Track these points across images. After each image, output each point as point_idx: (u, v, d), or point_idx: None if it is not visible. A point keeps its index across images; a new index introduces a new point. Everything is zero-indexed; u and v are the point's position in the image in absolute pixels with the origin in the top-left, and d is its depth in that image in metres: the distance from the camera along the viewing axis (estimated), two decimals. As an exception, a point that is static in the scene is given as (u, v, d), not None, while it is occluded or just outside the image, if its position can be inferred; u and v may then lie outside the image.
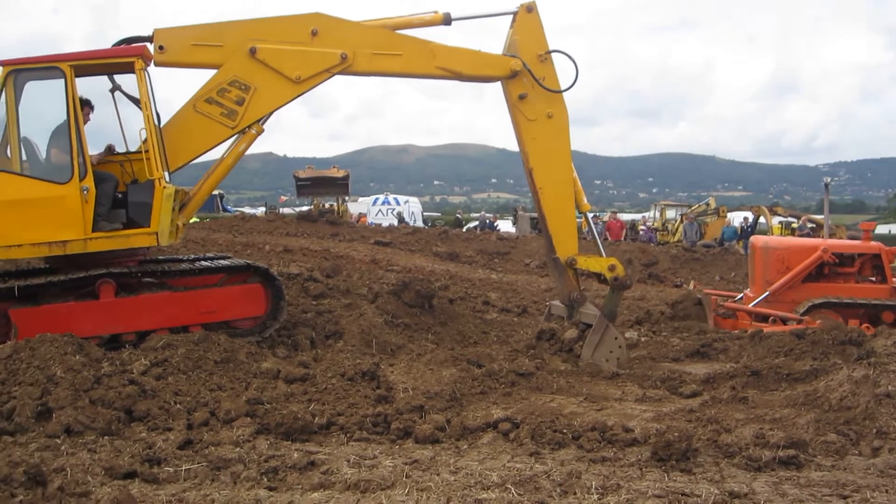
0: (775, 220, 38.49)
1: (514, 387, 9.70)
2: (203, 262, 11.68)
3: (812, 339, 11.74)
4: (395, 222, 44.47)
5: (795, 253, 16.65)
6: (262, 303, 11.27)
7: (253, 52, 10.73)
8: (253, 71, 10.82)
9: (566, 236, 11.63)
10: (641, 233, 43.05)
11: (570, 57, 11.33)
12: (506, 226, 45.94)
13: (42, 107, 10.71)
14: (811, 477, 6.84)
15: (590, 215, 12.67)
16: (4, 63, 10.19)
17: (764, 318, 15.78)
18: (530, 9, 11.27)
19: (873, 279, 16.77)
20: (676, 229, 43.79)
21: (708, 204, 45.57)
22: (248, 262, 11.77)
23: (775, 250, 16.94)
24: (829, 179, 21.00)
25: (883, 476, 6.86)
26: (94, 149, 10.80)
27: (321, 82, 11.14)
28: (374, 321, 11.96)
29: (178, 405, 8.29)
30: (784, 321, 15.49)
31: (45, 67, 10.31)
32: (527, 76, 11.22)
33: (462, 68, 11.29)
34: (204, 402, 8.39)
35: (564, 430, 7.79)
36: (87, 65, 10.44)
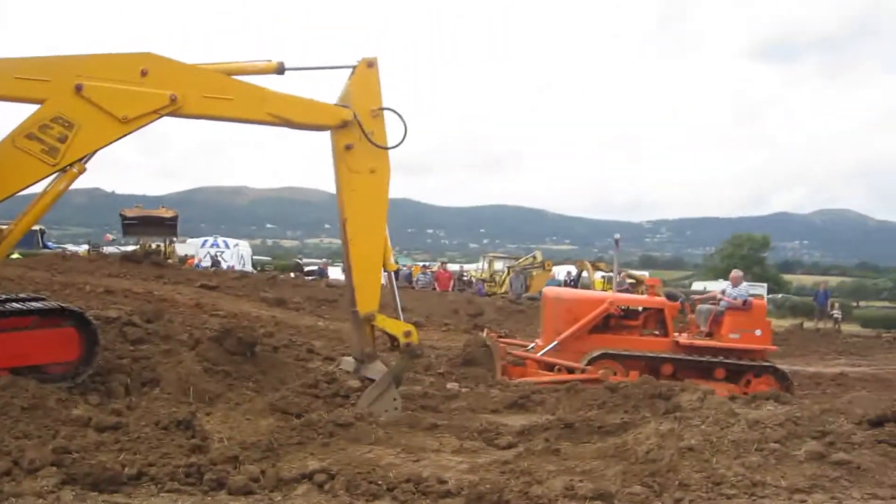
0: (598, 275, 39.82)
1: (333, 437, 9.66)
2: (14, 304, 11.25)
3: (624, 393, 12.20)
4: (208, 264, 43.84)
5: (583, 305, 17.55)
6: (75, 348, 10.89)
7: (79, 88, 10.41)
8: (77, 108, 10.46)
9: (369, 292, 11.51)
10: (476, 284, 43.95)
11: (400, 116, 11.34)
12: (335, 273, 45.97)
13: None
14: (615, 529, 7.12)
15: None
16: None
17: (550, 367, 16.43)
18: (371, 64, 11.33)
19: (656, 333, 17.60)
20: (503, 281, 44.78)
21: (535, 257, 46.85)
22: (62, 304, 11.40)
23: (564, 301, 17.79)
24: (618, 236, 22.29)
25: (681, 528, 7.20)
26: None
27: (148, 123, 10.83)
28: (193, 368, 11.73)
29: (-21, 454, 7.93)
30: (570, 370, 16.21)
31: None
32: (356, 128, 11.20)
33: (292, 116, 11.18)
34: (7, 450, 7.98)
35: (380, 482, 7.84)
36: None
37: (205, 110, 10.96)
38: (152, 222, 38.73)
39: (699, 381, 15.89)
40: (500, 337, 18.88)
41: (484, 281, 46.18)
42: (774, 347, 17.94)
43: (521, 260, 48.41)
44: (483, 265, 52.65)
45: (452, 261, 76.33)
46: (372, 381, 11.31)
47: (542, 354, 16.81)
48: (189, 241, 56.32)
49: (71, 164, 10.61)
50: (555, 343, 16.91)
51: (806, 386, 19.01)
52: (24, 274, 23.16)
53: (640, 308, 18.13)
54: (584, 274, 39.07)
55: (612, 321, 17.67)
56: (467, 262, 74.69)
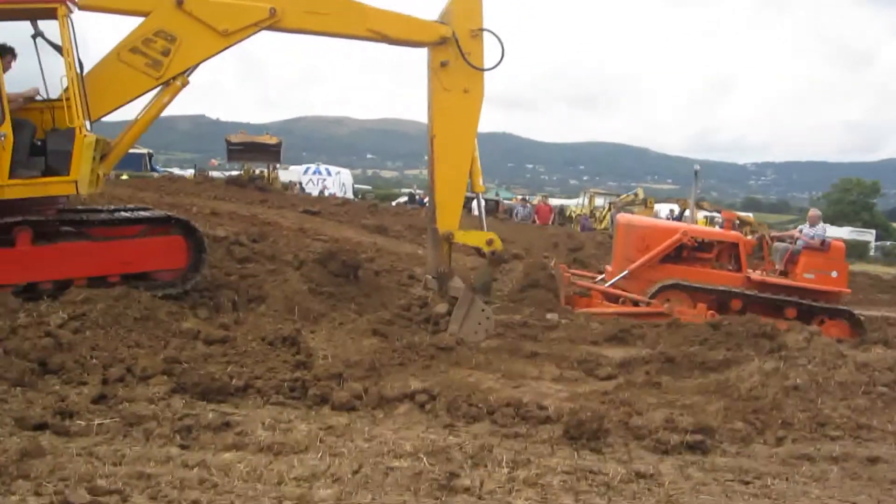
0: (700, 214, 39.05)
1: (434, 360, 9.77)
2: (123, 213, 11.51)
3: (727, 331, 12.02)
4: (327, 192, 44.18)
5: (656, 233, 17.15)
6: (182, 255, 11.16)
7: (180, 2, 10.50)
8: (179, 22, 10.60)
9: (450, 211, 11.56)
10: (579, 218, 43.64)
11: (499, 39, 11.28)
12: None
13: None
14: (716, 462, 7.05)
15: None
16: None
17: (616, 299, 16.16)
18: None
19: (730, 267, 17.25)
20: (604, 217, 44.28)
21: (636, 194, 46.09)
22: (169, 213, 11.64)
23: (637, 229, 17.39)
24: (698, 167, 21.65)
25: (785, 465, 7.10)
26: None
27: (249, 36, 10.98)
28: (298, 288, 11.89)
29: (94, 360, 8.15)
30: (634, 303, 15.91)
31: None
32: (453, 46, 11.17)
33: (391, 31, 11.22)
34: (121, 358, 8.27)
35: (480, 405, 7.89)
36: (9, 9, 10.23)
37: (304, 24, 11.02)
38: (256, 148, 39.00)
39: (768, 318, 15.39)
40: (571, 267, 18.75)
41: (584, 216, 45.70)
42: (849, 291, 17.32)
43: (622, 197, 47.74)
44: (584, 201, 52.11)
45: (552, 196, 75.71)
46: (456, 299, 11.32)
47: (611, 284, 16.60)
48: (291, 167, 56.89)
49: (174, 77, 10.74)
50: (625, 272, 16.71)
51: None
52: (133, 195, 23.71)
53: (715, 241, 17.67)
54: (687, 212, 38.39)
55: (685, 252, 17.26)
56: (567, 198, 74.06)
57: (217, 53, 10.97)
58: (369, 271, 14.38)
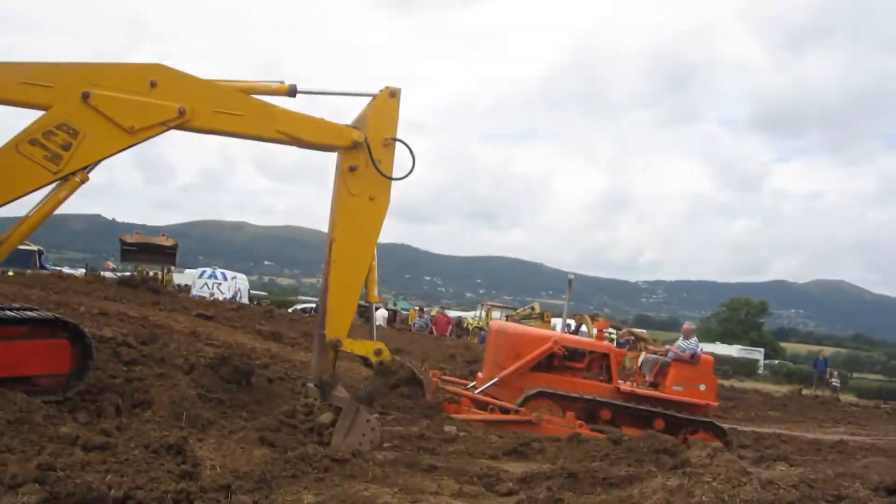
0: (595, 330, 39.46)
1: (328, 472, 9.33)
2: (6, 312, 10.94)
3: (628, 446, 11.95)
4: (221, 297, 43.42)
5: (528, 341, 17.22)
6: (66, 360, 10.60)
7: (86, 96, 10.19)
8: (84, 116, 10.22)
9: (340, 317, 11.21)
10: (476, 332, 43.77)
11: (410, 150, 11.18)
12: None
13: None
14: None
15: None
16: None
17: (484, 406, 16.15)
18: (394, 94, 11.18)
19: (601, 378, 17.38)
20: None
21: (533, 308, 46.51)
22: (57, 315, 11.10)
23: (509, 336, 17.54)
24: (572, 276, 22.25)
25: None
26: None
27: (156, 135, 10.62)
28: (187, 393, 11.39)
29: (-41, 468, 7.58)
30: (504, 410, 15.83)
31: None
32: (364, 152, 11.03)
33: (302, 134, 11.00)
34: (-11, 465, 7.70)
35: (376, 522, 7.51)
36: None
37: (213, 125, 10.75)
38: (151, 250, 38.45)
39: (636, 430, 15.94)
40: (443, 375, 18.64)
41: (481, 329, 45.87)
42: (716, 404, 17.90)
43: (519, 310, 48.11)
44: (481, 313, 52.37)
45: (448, 308, 76.11)
46: (340, 409, 10.94)
47: (482, 391, 16.53)
48: (187, 271, 56.04)
49: (73, 173, 10.37)
50: (495, 380, 16.70)
51: (806, 452, 18.66)
52: (19, 291, 22.84)
53: (587, 351, 17.87)
54: (584, 328, 38.77)
55: (556, 361, 17.35)
56: (463, 311, 74.43)
57: (120, 151, 10.57)
58: (262, 378, 13.93)
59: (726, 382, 42.87)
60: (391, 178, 11.21)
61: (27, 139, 10.16)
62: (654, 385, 17.70)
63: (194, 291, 45.45)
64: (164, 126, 10.50)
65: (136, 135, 10.42)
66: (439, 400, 15.74)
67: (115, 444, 8.91)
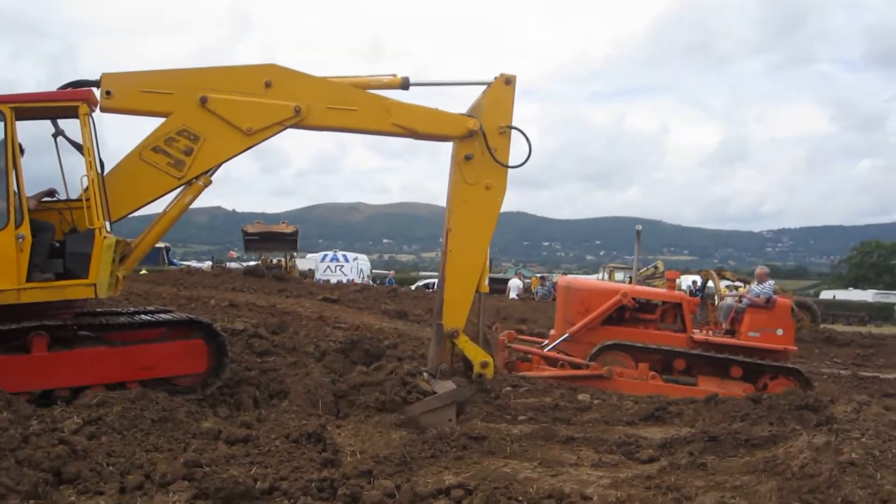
0: (723, 284, 38.59)
1: (467, 450, 9.34)
2: (143, 316, 11.23)
3: (768, 405, 11.58)
4: (344, 279, 43.92)
5: (595, 295, 17.06)
6: (203, 359, 10.83)
7: (204, 101, 10.39)
8: (203, 121, 10.46)
9: (458, 307, 11.16)
10: None
11: (526, 138, 11.07)
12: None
13: None
14: (778, 549, 6.59)
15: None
16: None
17: (555, 363, 16.06)
18: (509, 81, 11.09)
19: (674, 328, 17.16)
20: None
21: (656, 267, 45.68)
22: (191, 316, 11.33)
23: (577, 291, 17.30)
24: (639, 227, 21.92)
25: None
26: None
27: (273, 135, 10.82)
28: (321, 380, 11.53)
29: (111, 467, 7.77)
30: (573, 366, 15.86)
31: None
32: (479, 140, 10.96)
33: (417, 126, 11.03)
34: (139, 463, 7.89)
35: (520, 498, 7.44)
36: (30, 107, 10.03)
37: (329, 121, 10.88)
38: (273, 238, 39.14)
39: (712, 379, 15.97)
40: (519, 333, 18.69)
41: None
42: (794, 348, 17.28)
43: (641, 270, 47.36)
44: (603, 276, 51.73)
45: (570, 272, 75.49)
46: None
47: (552, 348, 16.45)
48: (309, 256, 56.85)
49: (196, 177, 10.58)
50: (566, 336, 16.51)
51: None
52: (151, 289, 23.57)
53: (658, 302, 17.68)
54: (710, 283, 37.97)
55: (627, 314, 17.28)
56: (585, 274, 73.78)
57: (241, 152, 10.82)
58: (392, 358, 14.01)
59: (863, 329, 41.55)
60: (507, 167, 11.13)
61: (150, 147, 10.40)
62: (730, 332, 17.43)
63: (317, 276, 46.09)
64: (282, 126, 10.68)
65: (254, 136, 10.62)
66: (511, 360, 15.94)
67: (257, 436, 9.06)
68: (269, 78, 10.60)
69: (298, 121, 10.70)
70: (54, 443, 7.92)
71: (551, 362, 16.19)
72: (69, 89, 10.38)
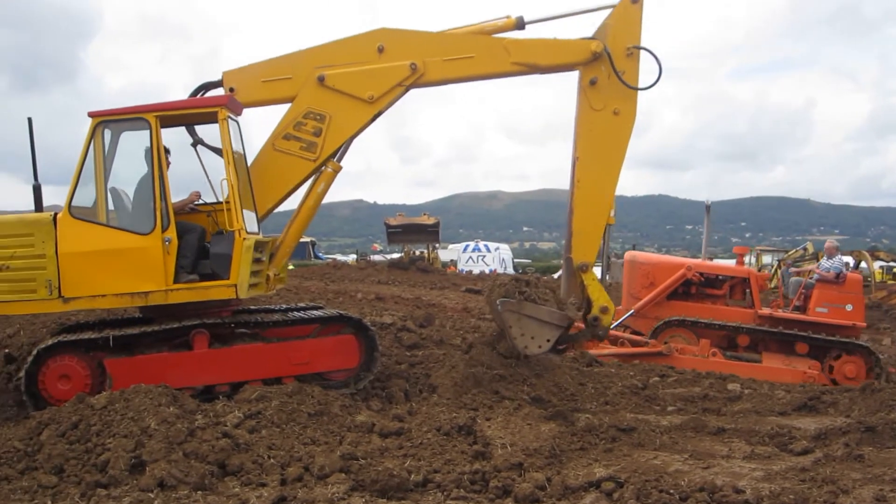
0: (877, 265, 37.30)
1: (616, 442, 9.34)
2: (296, 313, 11.59)
3: (929, 393, 11.19)
4: (487, 269, 44.13)
5: (661, 270, 16.84)
6: (355, 354, 11.12)
7: (321, 79, 10.61)
8: (325, 99, 10.69)
9: (587, 240, 10.98)
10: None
11: (656, 58, 10.78)
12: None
13: (128, 158, 10.78)
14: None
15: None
16: (93, 114, 10.24)
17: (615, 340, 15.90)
18: (636, 0, 10.81)
19: (743, 303, 16.86)
20: (773, 275, 42.75)
21: (806, 248, 44.32)
22: (342, 312, 11.62)
23: (642, 265, 17.01)
24: (709, 202, 21.17)
25: None
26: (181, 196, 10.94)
27: (397, 97, 10.91)
28: (468, 372, 11.66)
29: (272, 460, 8.12)
30: (633, 343, 15.76)
31: (131, 118, 10.36)
32: (605, 63, 10.70)
33: (538, 59, 10.84)
34: (298, 456, 8.21)
35: (671, 491, 7.41)
36: (173, 115, 10.48)
37: (448, 73, 10.83)
38: (415, 230, 39.57)
39: (778, 356, 15.82)
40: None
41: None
42: (864, 324, 16.68)
43: (790, 252, 46.01)
44: (751, 259, 50.48)
45: (716, 256, 73.82)
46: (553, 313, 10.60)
47: (616, 324, 16.14)
48: (451, 246, 57.31)
49: (325, 164, 10.74)
50: (631, 311, 16.23)
51: None
52: (300, 284, 24.21)
53: (725, 277, 17.36)
54: (863, 264, 36.67)
55: (693, 289, 17.01)
56: (730, 258, 72.14)
57: (368, 123, 10.96)
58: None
59: None
60: (636, 89, 10.82)
61: (281, 135, 10.71)
62: (798, 308, 17.04)
63: (460, 266, 46.45)
64: (402, 87, 10.74)
65: (376, 103, 10.75)
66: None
67: (409, 428, 9.26)
68: (381, 42, 10.70)
69: (417, 78, 10.73)
70: (218, 436, 8.30)
71: (612, 340, 16.11)
72: (208, 96, 10.79)
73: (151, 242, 10.04)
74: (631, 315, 16.58)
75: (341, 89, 10.69)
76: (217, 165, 10.76)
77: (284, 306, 12.49)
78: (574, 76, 11.22)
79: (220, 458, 7.97)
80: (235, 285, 10.12)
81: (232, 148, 10.32)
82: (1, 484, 7.58)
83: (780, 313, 16.61)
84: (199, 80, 11.18)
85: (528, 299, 10.75)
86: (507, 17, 11.09)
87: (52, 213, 10.28)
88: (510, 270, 47.73)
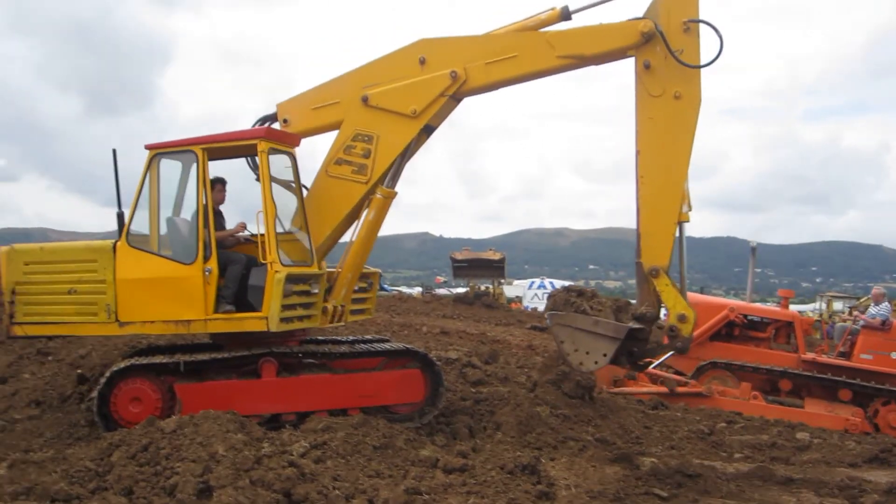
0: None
1: (681, 488, 9.25)
2: (363, 345, 11.66)
3: None
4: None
5: (703, 310, 16.15)
6: (420, 388, 11.12)
7: (365, 100, 10.61)
8: (371, 119, 10.66)
9: (657, 241, 9.74)
10: (828, 329, 41.78)
11: (716, 31, 9.48)
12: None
13: (177, 188, 11.11)
14: None
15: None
16: (150, 147, 10.57)
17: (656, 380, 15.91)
18: None
19: (787, 347, 16.73)
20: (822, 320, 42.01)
21: (878, 296, 43.38)
22: (409, 346, 11.66)
23: None
24: (754, 243, 20.82)
25: None
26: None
27: (442, 109, 10.69)
28: (533, 411, 11.63)
29: (337, 491, 8.12)
30: (669, 384, 15.67)
31: (181, 151, 10.66)
32: (658, 44, 9.61)
33: (584, 49, 10.02)
34: (362, 488, 8.21)
35: (738, 541, 7.33)
36: (218, 147, 10.63)
37: (492, 76, 10.43)
38: (481, 265, 39.62)
39: (820, 402, 15.64)
40: None
41: (825, 322, 43.45)
42: None
43: (862, 299, 45.16)
44: (821, 305, 49.66)
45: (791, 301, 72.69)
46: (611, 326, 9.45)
47: (657, 364, 15.72)
48: (516, 282, 57.29)
49: (373, 191, 10.72)
50: (671, 352, 16.01)
51: None
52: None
53: (768, 319, 17.27)
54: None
55: (736, 331, 16.98)
56: (800, 303, 70.94)
57: (415, 139, 10.80)
58: (604, 391, 13.98)
59: None
60: (695, 67, 9.57)
61: (333, 161, 10.78)
62: (843, 354, 16.81)
63: (525, 303, 46.38)
64: (444, 97, 10.52)
65: (420, 117, 10.60)
66: (619, 376, 15.96)
67: (473, 465, 9.22)
68: (422, 53, 10.53)
69: (460, 86, 10.42)
70: (284, 465, 8.34)
71: (653, 378, 15.98)
72: (249, 129, 10.86)
73: (193, 272, 10.25)
74: (671, 355, 16.52)
75: (385, 107, 10.63)
76: (283, 197, 10.89)
77: (352, 338, 12.57)
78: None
79: (286, 486, 8.00)
80: (266, 318, 10.11)
81: (270, 180, 10.36)
82: (73, 503, 7.71)
83: (823, 358, 16.49)
84: (269, 109, 11.28)
85: (579, 311, 9.75)
86: (552, 9, 10.35)
87: (114, 240, 10.59)
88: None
